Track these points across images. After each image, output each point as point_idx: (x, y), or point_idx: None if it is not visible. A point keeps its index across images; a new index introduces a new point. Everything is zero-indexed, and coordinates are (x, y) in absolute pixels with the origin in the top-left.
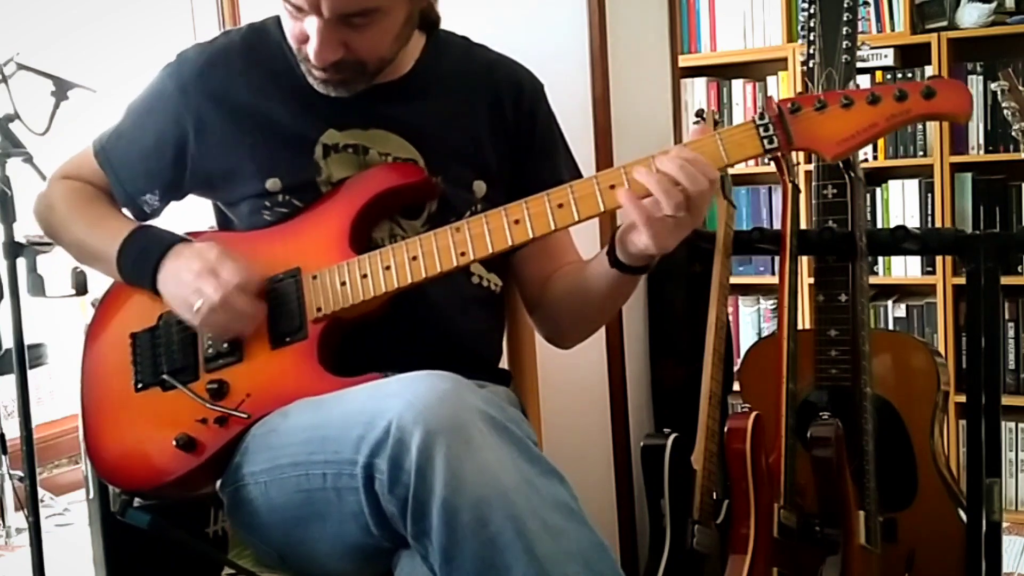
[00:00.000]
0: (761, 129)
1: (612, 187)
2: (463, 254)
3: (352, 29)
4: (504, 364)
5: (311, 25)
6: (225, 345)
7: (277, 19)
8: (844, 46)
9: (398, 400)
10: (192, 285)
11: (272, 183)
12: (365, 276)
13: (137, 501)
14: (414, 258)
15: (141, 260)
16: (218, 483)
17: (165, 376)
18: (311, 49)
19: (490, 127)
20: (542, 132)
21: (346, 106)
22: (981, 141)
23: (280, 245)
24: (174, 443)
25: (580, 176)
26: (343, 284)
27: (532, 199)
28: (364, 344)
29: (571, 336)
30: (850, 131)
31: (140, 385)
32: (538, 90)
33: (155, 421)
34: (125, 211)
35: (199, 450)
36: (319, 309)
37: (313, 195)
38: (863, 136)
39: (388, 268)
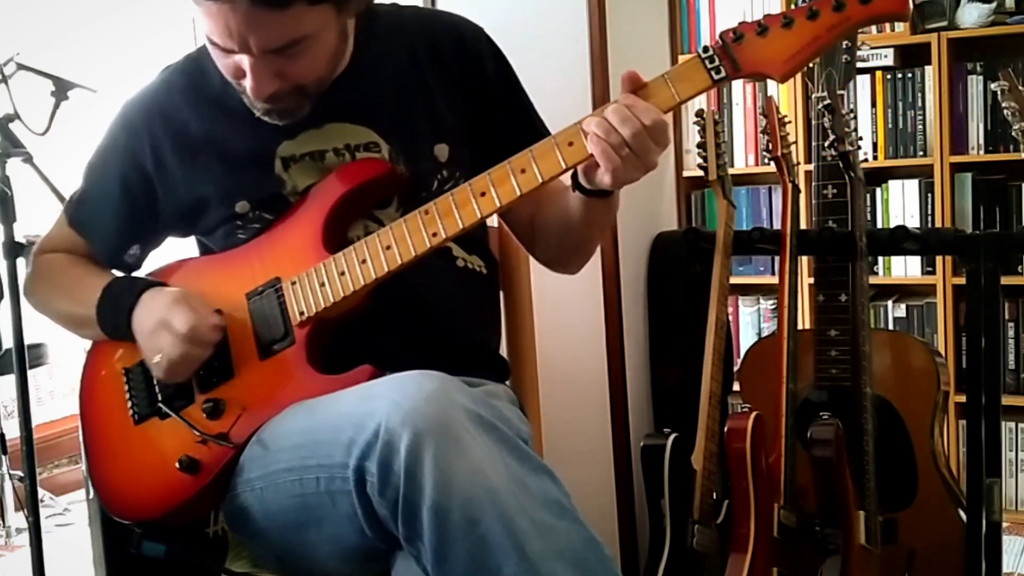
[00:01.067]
0: (707, 61)
1: (571, 144)
2: (435, 234)
3: (285, 59)
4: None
5: (243, 62)
6: (215, 364)
7: None
8: (844, 46)
9: (385, 402)
10: (149, 342)
11: (241, 206)
12: (343, 273)
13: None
14: (388, 247)
15: (115, 321)
16: None
17: (160, 405)
18: (247, 85)
19: (440, 86)
20: (493, 74)
21: None
22: (981, 141)
23: (256, 259)
24: (177, 466)
25: (539, 118)
26: (322, 285)
27: (495, 169)
28: (357, 341)
29: (570, 264)
30: (794, 48)
31: (138, 417)
32: (479, 34)
33: (157, 450)
34: (112, 270)
35: (203, 471)
36: (302, 313)
37: (283, 208)
38: (807, 51)
39: (364, 261)
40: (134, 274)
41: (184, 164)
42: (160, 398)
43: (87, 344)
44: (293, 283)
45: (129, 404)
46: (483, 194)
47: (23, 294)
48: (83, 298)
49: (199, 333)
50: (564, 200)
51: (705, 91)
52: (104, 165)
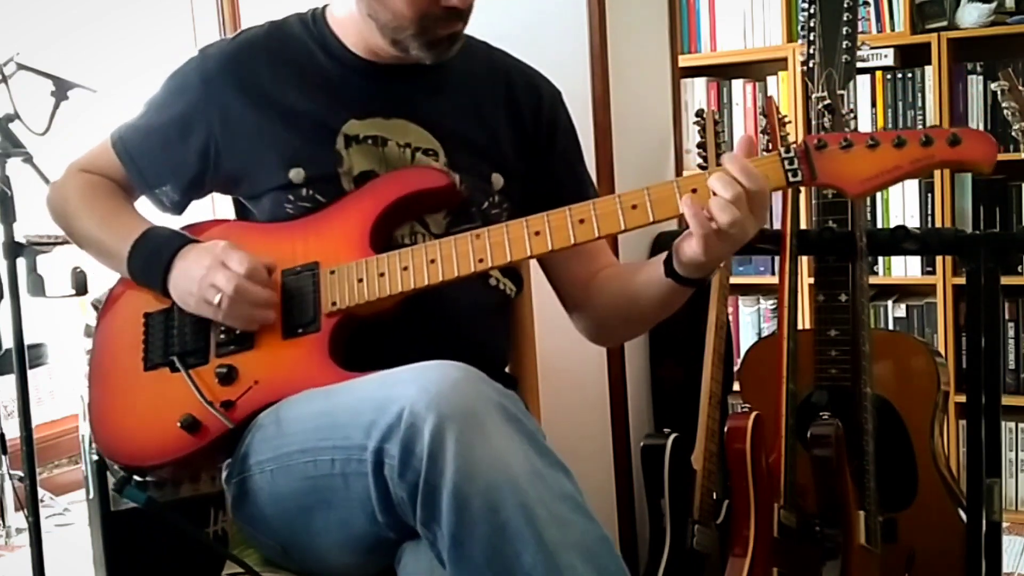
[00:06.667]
0: (786, 162)
1: (634, 207)
2: (481, 260)
3: None
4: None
5: None
6: (237, 331)
7: (298, 16)
8: (844, 46)
9: (411, 387)
10: (205, 280)
11: (295, 173)
12: (383, 275)
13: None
14: (432, 261)
15: (151, 262)
16: (223, 476)
17: (173, 358)
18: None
19: (507, 125)
20: (564, 141)
21: (369, 96)
22: None
23: (300, 239)
24: (178, 424)
25: (593, 185)
26: (360, 281)
27: (554, 213)
28: (376, 342)
29: (616, 338)
30: (874, 171)
31: (149, 364)
32: (556, 97)
33: (161, 401)
34: (145, 200)
35: (203, 433)
36: (334, 303)
37: (335, 187)
38: (886, 177)
39: (406, 269)
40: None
41: (250, 121)
42: (176, 351)
43: (88, 344)
44: (332, 272)
45: (143, 349)
46: (537, 233)
47: (47, 204)
48: (116, 232)
49: (259, 274)
50: (634, 279)
51: (777, 190)
52: (168, 105)
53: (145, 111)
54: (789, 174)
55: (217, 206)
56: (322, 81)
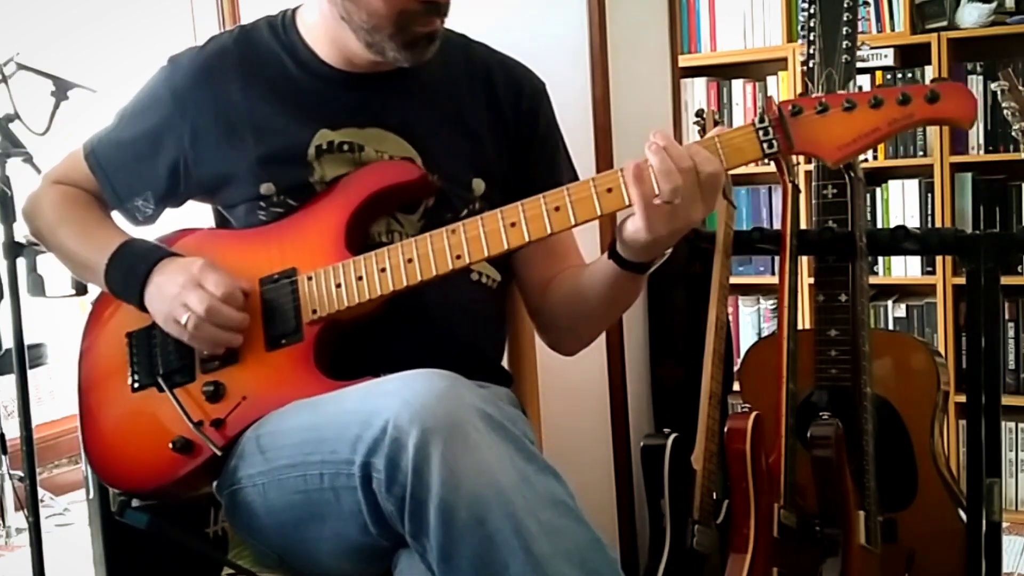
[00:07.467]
0: (761, 132)
1: (609, 190)
2: (459, 257)
3: None
4: (504, 364)
5: None
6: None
7: (268, 21)
8: (844, 46)
9: (394, 399)
10: (178, 299)
11: (266, 188)
12: (360, 278)
13: (136, 501)
14: (409, 260)
15: (128, 276)
16: (214, 485)
17: (159, 378)
18: None
19: (489, 125)
20: (543, 135)
21: (341, 106)
22: (981, 141)
23: (275, 244)
24: (171, 445)
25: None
26: (338, 286)
27: (528, 201)
28: (362, 346)
29: (571, 341)
30: (852, 135)
31: (137, 385)
32: (539, 91)
33: (152, 422)
34: (116, 215)
35: (196, 452)
36: (315, 311)
37: (308, 195)
38: (865, 140)
39: (384, 270)
40: (150, 239)
41: (219, 136)
42: (160, 371)
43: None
44: (309, 278)
45: (130, 370)
46: (513, 225)
47: (22, 216)
48: (93, 246)
49: (235, 298)
50: (583, 273)
51: (753, 162)
52: (138, 116)
53: (117, 122)
54: (765, 145)
55: (206, 210)
56: (292, 92)
